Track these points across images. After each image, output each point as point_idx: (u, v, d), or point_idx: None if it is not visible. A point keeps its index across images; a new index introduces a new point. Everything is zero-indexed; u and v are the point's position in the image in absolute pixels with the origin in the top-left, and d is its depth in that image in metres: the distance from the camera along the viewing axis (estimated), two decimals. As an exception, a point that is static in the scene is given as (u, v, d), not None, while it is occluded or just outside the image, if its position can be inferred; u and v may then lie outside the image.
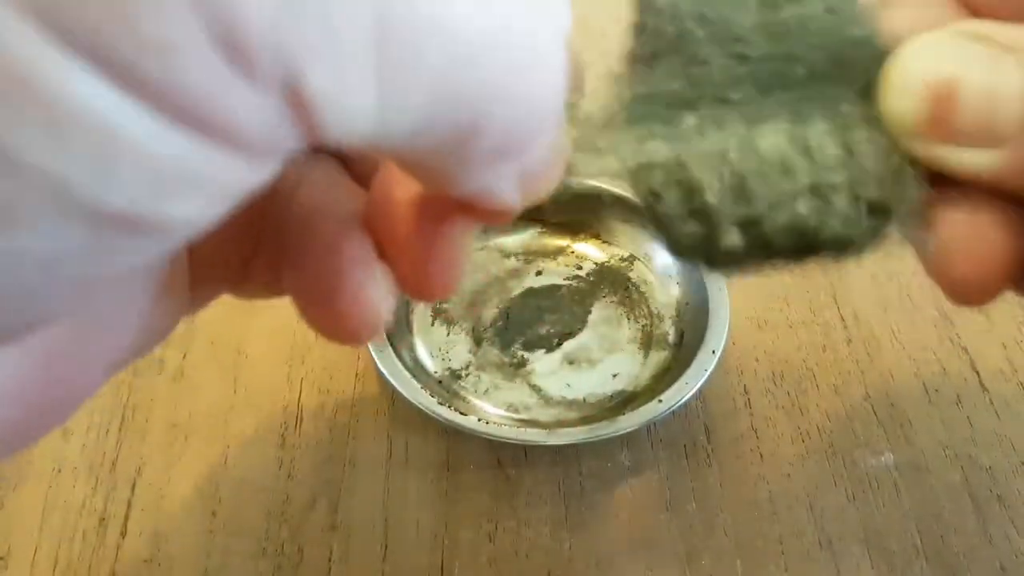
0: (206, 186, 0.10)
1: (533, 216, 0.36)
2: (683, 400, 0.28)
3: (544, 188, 0.14)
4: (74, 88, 0.08)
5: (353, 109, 0.10)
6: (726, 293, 0.31)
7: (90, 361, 0.15)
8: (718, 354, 0.29)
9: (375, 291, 0.16)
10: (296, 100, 0.09)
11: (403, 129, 0.10)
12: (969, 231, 0.16)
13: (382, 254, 0.16)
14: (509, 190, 0.13)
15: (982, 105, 0.14)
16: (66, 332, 0.14)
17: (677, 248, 0.17)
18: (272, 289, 0.18)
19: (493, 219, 0.14)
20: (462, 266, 0.16)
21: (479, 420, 0.29)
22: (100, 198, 0.09)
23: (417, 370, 0.30)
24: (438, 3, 0.09)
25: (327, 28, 0.09)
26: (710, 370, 0.29)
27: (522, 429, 0.29)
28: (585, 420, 0.29)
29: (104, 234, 0.09)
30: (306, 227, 0.17)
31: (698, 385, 0.29)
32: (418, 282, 0.16)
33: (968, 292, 0.16)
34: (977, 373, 0.32)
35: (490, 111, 0.11)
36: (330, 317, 0.16)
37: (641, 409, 0.28)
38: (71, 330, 0.14)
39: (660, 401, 0.28)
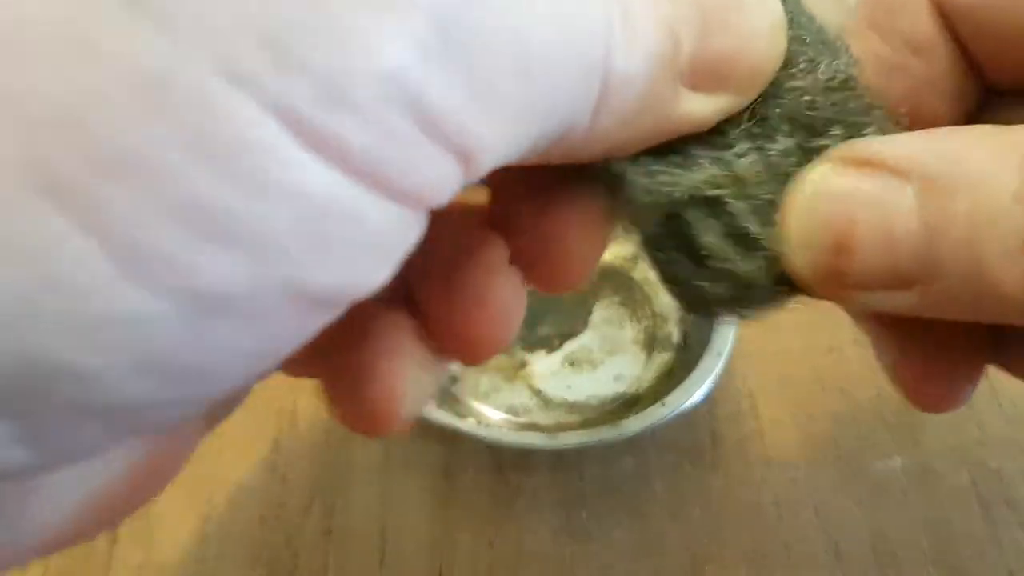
0: (393, 248, 0.11)
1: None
2: (688, 404, 0.28)
3: (743, 59, 0.14)
4: (305, 175, 0.09)
5: (497, 145, 0.11)
6: None
7: (194, 434, 0.15)
8: (724, 357, 0.29)
9: (407, 385, 0.15)
10: (463, 152, 0.10)
11: (528, 145, 0.11)
12: (914, 371, 0.16)
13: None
14: (685, 103, 0.13)
15: (880, 252, 0.13)
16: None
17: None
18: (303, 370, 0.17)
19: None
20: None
21: (478, 423, 0.28)
22: (314, 274, 0.10)
23: None
24: (526, 36, 0.10)
25: (484, 87, 0.10)
26: (715, 373, 0.28)
27: (522, 433, 0.28)
28: (586, 423, 0.29)
29: (305, 315, 0.10)
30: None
31: (703, 389, 0.28)
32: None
33: (931, 409, 0.17)
34: (986, 376, 0.31)
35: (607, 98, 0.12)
36: (357, 407, 0.15)
37: (644, 413, 0.28)
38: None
39: (664, 405, 0.28)
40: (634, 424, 0.27)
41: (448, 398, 0.30)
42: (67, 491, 0.12)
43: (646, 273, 0.34)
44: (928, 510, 0.28)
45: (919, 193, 0.13)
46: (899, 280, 0.13)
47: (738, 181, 0.15)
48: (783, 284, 0.15)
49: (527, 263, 0.16)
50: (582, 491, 0.28)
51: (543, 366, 0.31)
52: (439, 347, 0.16)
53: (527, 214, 0.16)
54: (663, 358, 0.31)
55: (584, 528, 0.28)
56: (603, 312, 0.33)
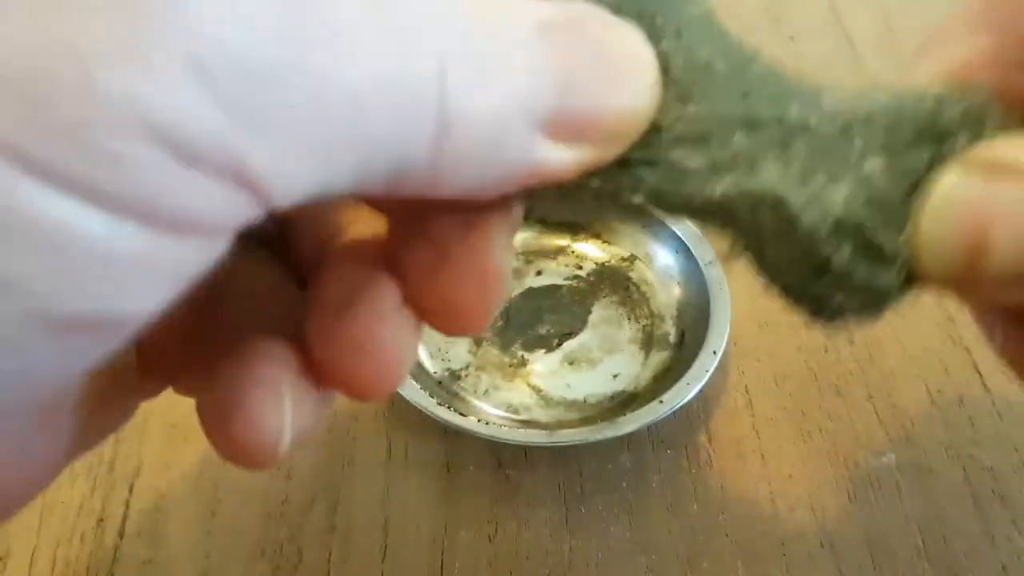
0: (161, 274, 0.11)
1: (533, 216, 0.36)
2: (684, 401, 0.28)
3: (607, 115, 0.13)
4: (31, 201, 0.09)
5: (295, 176, 0.11)
6: (727, 293, 0.31)
7: (40, 463, 0.14)
8: (719, 355, 0.29)
9: (275, 418, 0.15)
10: (241, 180, 0.10)
11: (348, 179, 0.11)
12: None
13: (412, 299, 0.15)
14: (543, 150, 0.13)
15: (1017, 253, 0.14)
16: (15, 438, 0.13)
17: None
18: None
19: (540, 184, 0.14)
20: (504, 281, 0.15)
21: (479, 421, 0.28)
22: (62, 304, 0.10)
23: (416, 370, 0.30)
24: (337, 77, 0.11)
25: (263, 118, 0.10)
26: (711, 371, 0.29)
27: (522, 430, 0.29)
28: (585, 421, 0.29)
29: (64, 340, 0.10)
30: (221, 335, 0.16)
31: (699, 386, 0.28)
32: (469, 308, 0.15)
33: None
34: (979, 374, 0.32)
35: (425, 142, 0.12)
36: (224, 438, 0.15)
37: (642, 410, 0.28)
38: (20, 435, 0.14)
39: (661, 402, 0.28)
40: (632, 421, 0.28)
41: (449, 396, 0.30)
42: None
43: (643, 273, 0.34)
44: (922, 507, 0.28)
45: None
46: None
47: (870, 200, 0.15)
48: (911, 284, 0.16)
49: (422, 309, 0.15)
50: (581, 487, 0.29)
51: (542, 365, 0.32)
52: (322, 384, 0.16)
53: (422, 260, 0.15)
54: (660, 357, 0.32)
55: (583, 524, 0.28)
56: (601, 312, 0.33)
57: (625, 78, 0.14)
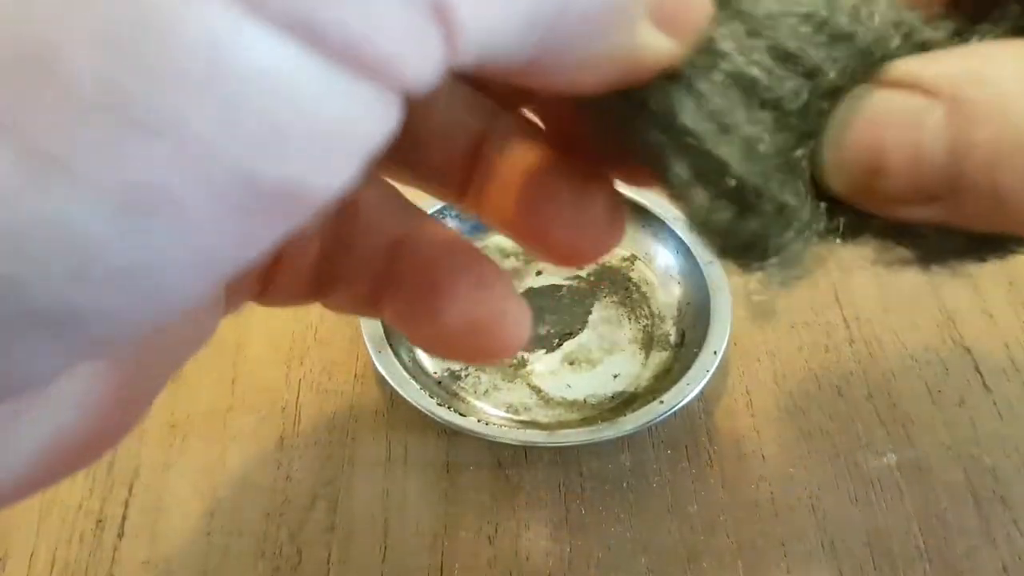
0: (356, 142, 0.09)
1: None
2: (684, 401, 0.28)
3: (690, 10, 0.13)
4: (244, 47, 0.08)
5: (492, 22, 0.10)
6: (728, 293, 0.31)
7: (161, 368, 0.14)
8: (720, 355, 0.29)
9: (502, 303, 0.16)
10: (443, 18, 0.09)
11: (535, 36, 0.10)
12: None
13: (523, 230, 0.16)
14: (645, 34, 0.12)
15: (909, 171, 0.14)
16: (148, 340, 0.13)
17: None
18: (313, 299, 0.17)
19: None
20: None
21: (478, 421, 0.28)
22: (265, 169, 0.08)
23: (416, 371, 0.30)
24: None
25: None
26: (712, 371, 0.29)
27: (522, 430, 0.29)
28: (585, 421, 0.29)
29: (250, 218, 0.09)
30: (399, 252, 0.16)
31: (700, 386, 0.28)
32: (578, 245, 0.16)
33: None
34: (980, 374, 0.32)
35: None
36: (473, 340, 0.16)
37: (642, 410, 0.28)
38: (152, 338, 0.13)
39: (661, 402, 0.28)
40: (632, 421, 0.28)
41: (449, 396, 0.30)
42: (31, 429, 0.12)
43: (643, 273, 0.34)
44: (922, 506, 0.28)
45: (947, 114, 0.13)
46: (927, 197, 0.14)
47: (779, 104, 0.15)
48: (817, 216, 0.15)
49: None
50: (581, 487, 0.29)
51: (543, 365, 0.32)
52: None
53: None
54: (660, 357, 0.32)
55: (582, 523, 0.28)
56: (601, 312, 0.33)
57: None
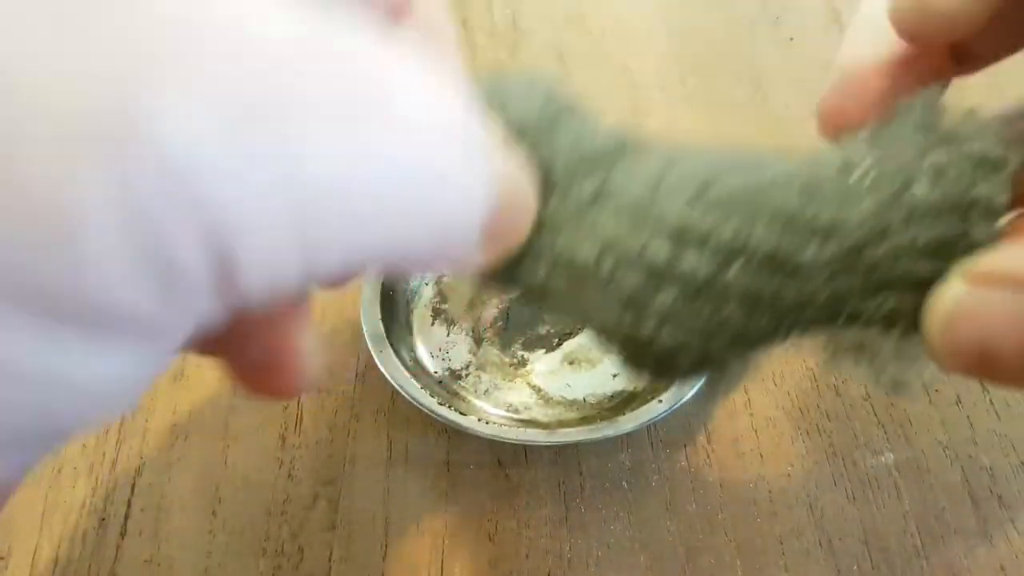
0: (137, 375, 0.11)
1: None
2: (683, 400, 0.28)
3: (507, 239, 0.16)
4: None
5: (278, 268, 0.11)
6: None
7: None
8: None
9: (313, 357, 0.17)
10: (225, 278, 0.10)
11: (328, 272, 0.12)
12: None
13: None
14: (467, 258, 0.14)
15: (1019, 358, 0.15)
16: None
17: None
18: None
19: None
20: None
21: (479, 420, 0.29)
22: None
23: (417, 370, 0.30)
24: (340, 169, 0.11)
25: (252, 213, 0.10)
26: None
27: (522, 429, 0.29)
28: (585, 420, 0.29)
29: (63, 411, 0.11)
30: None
31: (698, 386, 0.29)
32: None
33: None
34: (977, 373, 0.32)
35: (407, 246, 0.12)
36: (277, 386, 0.17)
37: (641, 409, 0.28)
38: None
39: (660, 401, 0.28)
40: (631, 421, 0.28)
41: (450, 396, 0.30)
42: None
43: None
44: (920, 506, 0.28)
45: None
46: None
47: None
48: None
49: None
50: (580, 486, 0.29)
51: (543, 365, 0.32)
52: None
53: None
54: None
55: (582, 522, 0.28)
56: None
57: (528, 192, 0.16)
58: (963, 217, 0.16)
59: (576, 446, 0.30)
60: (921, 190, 0.16)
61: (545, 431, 0.29)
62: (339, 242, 0.11)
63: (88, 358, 0.10)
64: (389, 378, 0.29)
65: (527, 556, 0.27)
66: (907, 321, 0.17)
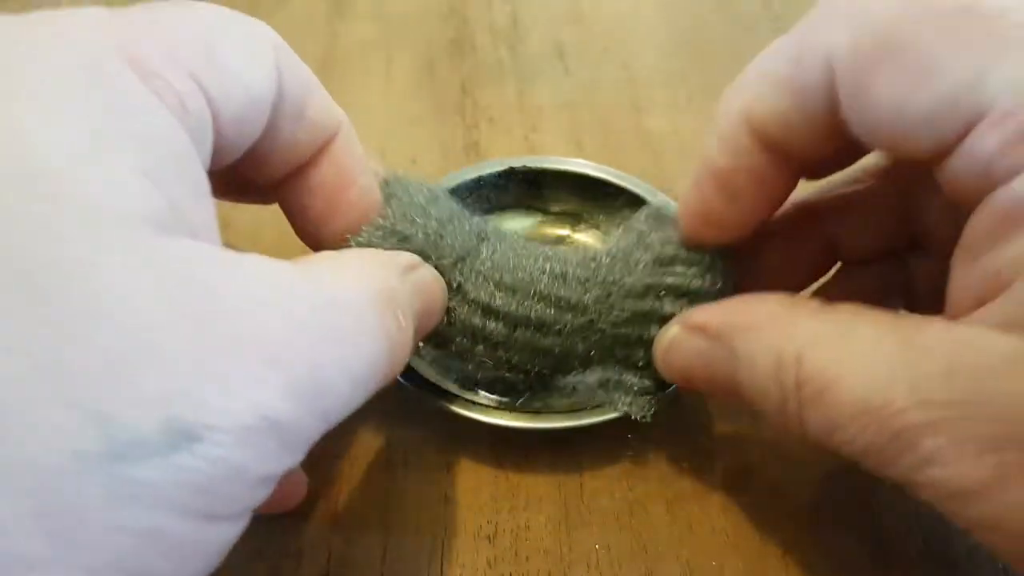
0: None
1: (534, 205, 0.36)
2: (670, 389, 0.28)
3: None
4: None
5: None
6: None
7: None
8: None
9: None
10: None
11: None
12: None
13: None
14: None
15: (708, 385, 0.24)
16: None
17: None
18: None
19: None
20: None
21: (474, 404, 0.28)
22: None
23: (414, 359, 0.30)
24: None
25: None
26: None
27: (517, 416, 0.28)
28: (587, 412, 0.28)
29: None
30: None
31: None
32: None
33: None
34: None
35: None
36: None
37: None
38: None
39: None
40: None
41: (446, 383, 0.30)
42: None
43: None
44: (922, 506, 0.28)
45: (726, 350, 0.23)
46: (727, 396, 0.24)
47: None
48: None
49: None
50: (580, 487, 0.29)
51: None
52: None
53: None
54: None
55: (583, 523, 0.28)
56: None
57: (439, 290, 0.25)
58: (656, 297, 0.26)
59: (577, 447, 0.29)
60: (628, 280, 0.26)
61: (540, 418, 0.28)
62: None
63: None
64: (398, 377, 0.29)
65: (527, 558, 0.27)
66: (635, 363, 0.27)
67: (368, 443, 0.30)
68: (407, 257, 0.23)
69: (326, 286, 0.18)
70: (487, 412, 0.28)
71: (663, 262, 0.26)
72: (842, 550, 0.27)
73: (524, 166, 0.35)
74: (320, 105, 0.23)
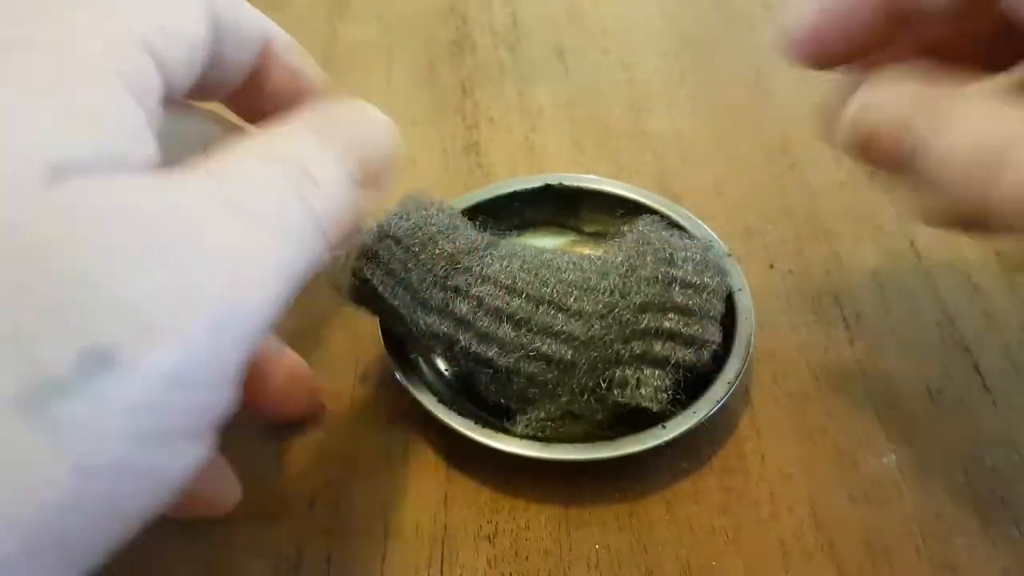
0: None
1: (568, 224, 0.36)
2: (686, 428, 0.27)
3: None
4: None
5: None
6: (752, 321, 0.30)
7: None
8: (733, 386, 0.28)
9: None
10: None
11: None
12: None
13: None
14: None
15: (890, 147, 0.22)
16: None
17: None
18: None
19: None
20: None
21: (475, 423, 0.28)
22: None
23: (420, 371, 0.30)
24: None
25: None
26: (722, 402, 0.28)
27: (516, 439, 0.28)
28: (588, 436, 0.28)
29: None
30: None
31: (703, 414, 0.28)
32: None
33: None
34: (980, 374, 0.32)
35: None
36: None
37: (643, 434, 0.27)
38: None
39: (664, 427, 0.27)
40: (632, 444, 0.27)
41: (449, 401, 0.30)
42: None
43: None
44: (922, 507, 0.28)
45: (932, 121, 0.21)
46: (897, 168, 0.22)
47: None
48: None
49: None
50: (580, 488, 0.29)
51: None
52: None
53: None
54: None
55: (582, 523, 0.28)
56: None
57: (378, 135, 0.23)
58: (665, 287, 0.27)
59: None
60: (642, 272, 0.28)
61: (541, 445, 0.28)
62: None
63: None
64: (402, 379, 0.29)
65: (527, 558, 0.27)
66: (652, 360, 0.27)
67: (368, 444, 0.30)
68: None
69: (231, 176, 0.17)
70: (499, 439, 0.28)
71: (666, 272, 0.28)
72: (842, 551, 0.27)
73: (561, 183, 0.35)
74: (249, 16, 0.23)
